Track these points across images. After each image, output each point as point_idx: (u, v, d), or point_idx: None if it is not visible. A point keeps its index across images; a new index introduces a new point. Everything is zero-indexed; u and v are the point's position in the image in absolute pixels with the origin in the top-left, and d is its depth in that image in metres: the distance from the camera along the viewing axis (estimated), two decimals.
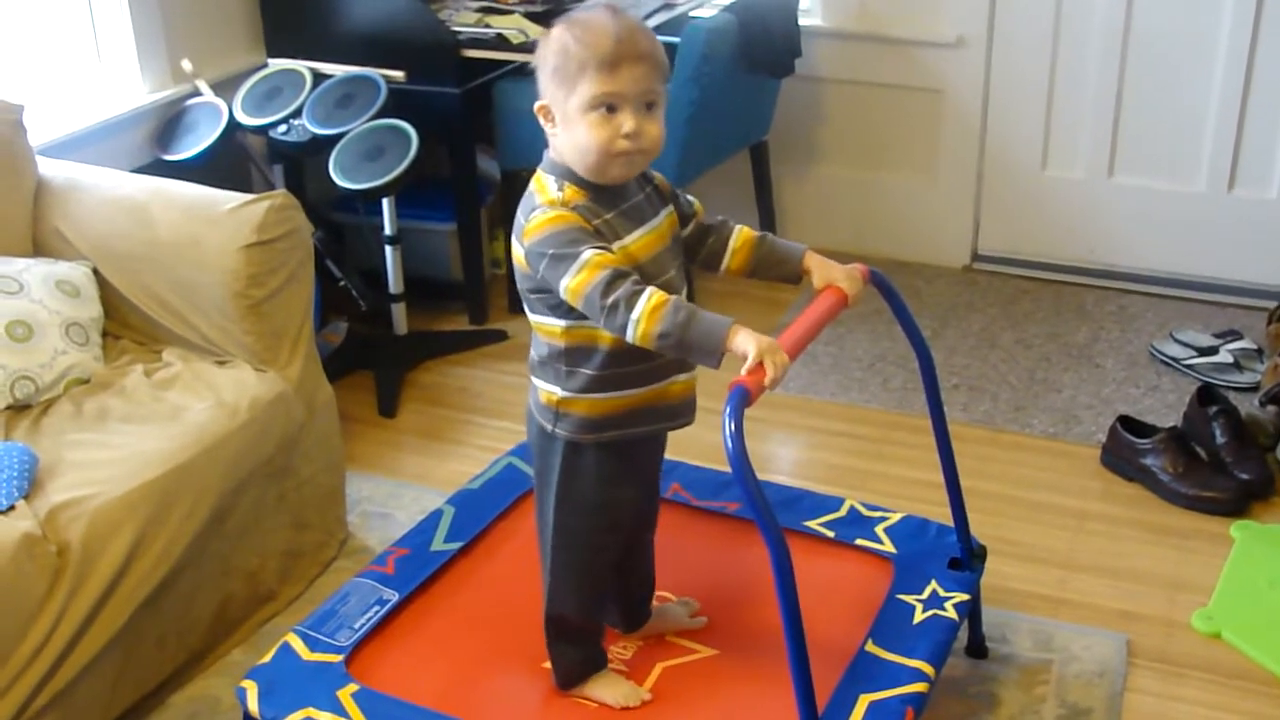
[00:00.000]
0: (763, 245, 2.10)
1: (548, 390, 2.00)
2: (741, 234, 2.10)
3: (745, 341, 1.78)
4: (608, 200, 1.92)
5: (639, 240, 1.93)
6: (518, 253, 1.93)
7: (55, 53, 3.42)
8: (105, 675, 2.32)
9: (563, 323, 1.93)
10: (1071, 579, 2.82)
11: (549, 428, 2.01)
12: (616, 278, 1.81)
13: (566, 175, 1.92)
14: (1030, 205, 4.21)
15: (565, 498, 2.05)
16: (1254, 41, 3.78)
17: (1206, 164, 3.96)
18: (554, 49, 1.89)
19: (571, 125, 1.88)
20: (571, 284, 1.83)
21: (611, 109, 1.86)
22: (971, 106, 4.14)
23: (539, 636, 2.17)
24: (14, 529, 2.18)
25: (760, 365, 1.78)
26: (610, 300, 1.80)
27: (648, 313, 1.79)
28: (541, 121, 1.94)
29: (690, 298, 2.02)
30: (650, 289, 1.81)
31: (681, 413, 2.05)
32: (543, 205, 1.90)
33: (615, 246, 1.89)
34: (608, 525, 2.09)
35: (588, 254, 1.82)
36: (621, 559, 2.18)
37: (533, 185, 1.95)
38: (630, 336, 1.81)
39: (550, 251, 1.85)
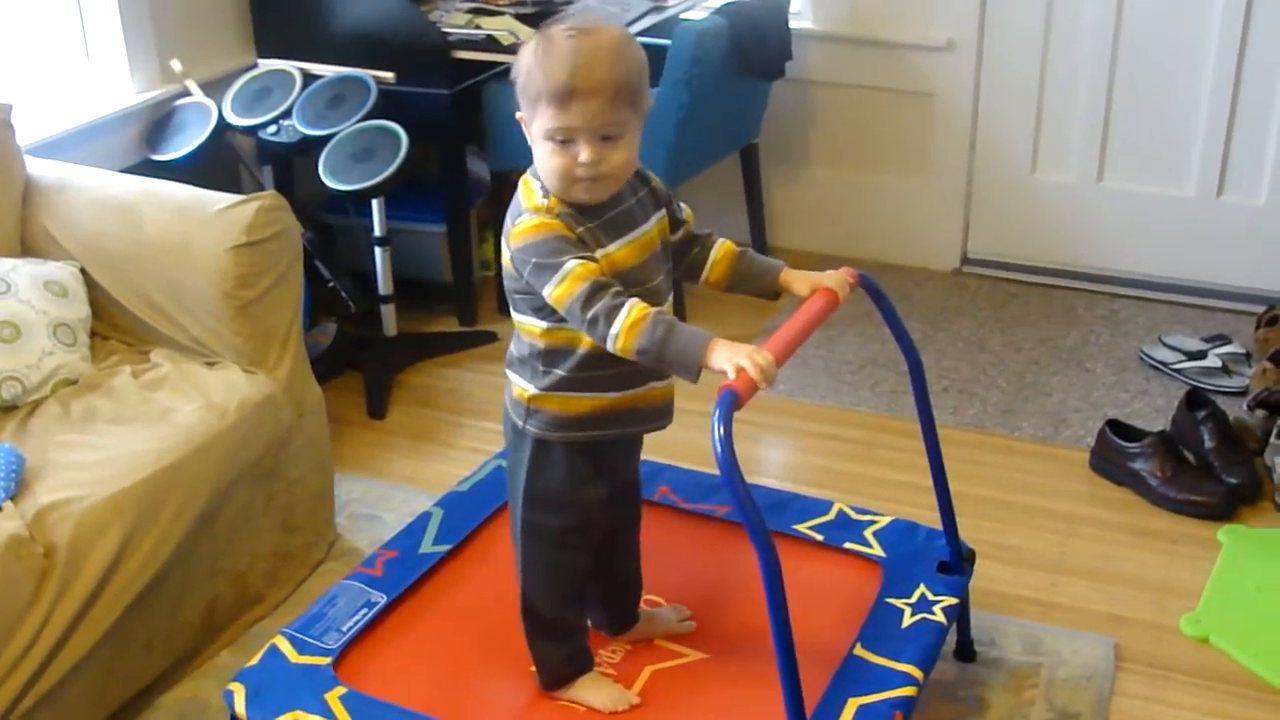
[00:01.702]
0: (742, 260, 2.11)
1: (521, 386, 2.01)
2: (722, 247, 2.11)
3: (722, 358, 1.78)
4: (593, 210, 1.92)
5: (624, 248, 1.93)
6: (505, 255, 1.94)
7: (44, 52, 3.41)
8: (93, 677, 2.31)
9: (544, 324, 1.94)
10: (1060, 583, 2.83)
11: (520, 423, 2.02)
12: (597, 290, 1.82)
13: None
14: (1020, 209, 4.21)
15: (532, 494, 2.06)
16: (1243, 48, 3.79)
17: (1196, 169, 3.97)
18: (523, 67, 1.88)
19: (536, 146, 1.90)
20: (554, 294, 1.85)
21: (565, 141, 1.85)
22: (962, 110, 4.14)
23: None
24: (1, 530, 2.16)
25: (742, 370, 1.77)
26: (590, 314, 1.81)
27: (626, 328, 1.80)
28: (524, 129, 1.94)
29: (679, 302, 2.02)
30: (630, 302, 1.82)
31: (656, 416, 2.06)
32: (528, 211, 1.90)
33: (600, 254, 1.89)
34: (574, 525, 2.08)
35: (570, 265, 1.83)
36: (601, 560, 2.18)
37: (520, 188, 1.95)
38: (610, 349, 1.83)
39: (534, 260, 1.86)
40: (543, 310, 1.92)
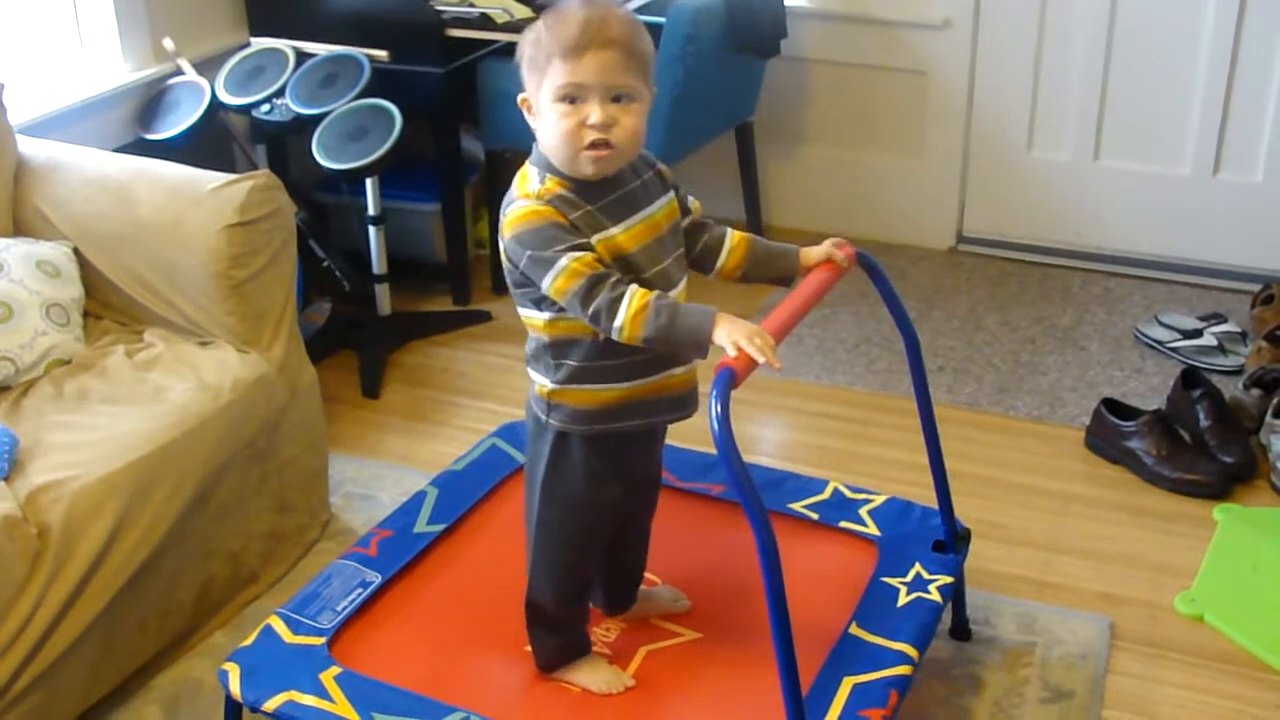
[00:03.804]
0: (756, 247, 2.09)
1: (540, 382, 1.99)
2: (735, 235, 2.09)
3: (726, 334, 1.78)
4: (595, 193, 1.89)
5: (627, 231, 1.90)
6: (502, 245, 1.91)
7: (36, 31, 3.40)
8: (87, 658, 2.31)
9: (545, 315, 1.92)
10: (1055, 561, 2.83)
11: (542, 418, 2.00)
12: (595, 284, 1.80)
13: (550, 167, 1.89)
14: (1016, 187, 4.21)
15: (550, 490, 2.04)
16: (1240, 24, 3.78)
17: (1192, 147, 3.96)
18: (530, 39, 1.87)
19: (543, 116, 1.86)
20: (551, 288, 1.83)
21: (575, 100, 1.83)
22: (957, 88, 4.13)
23: (522, 619, 2.17)
24: None
25: (741, 349, 1.77)
26: (592, 309, 1.80)
27: (629, 320, 1.79)
28: (525, 114, 1.92)
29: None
30: (631, 290, 1.80)
31: (680, 405, 2.03)
32: (519, 199, 1.88)
33: (599, 237, 1.86)
34: (589, 522, 2.07)
35: (563, 261, 1.81)
36: (610, 544, 2.17)
37: (517, 177, 1.93)
38: (617, 340, 1.82)
39: (529, 253, 1.84)
40: (542, 302, 1.90)
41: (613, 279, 1.82)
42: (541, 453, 2.03)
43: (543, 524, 2.08)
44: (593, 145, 1.84)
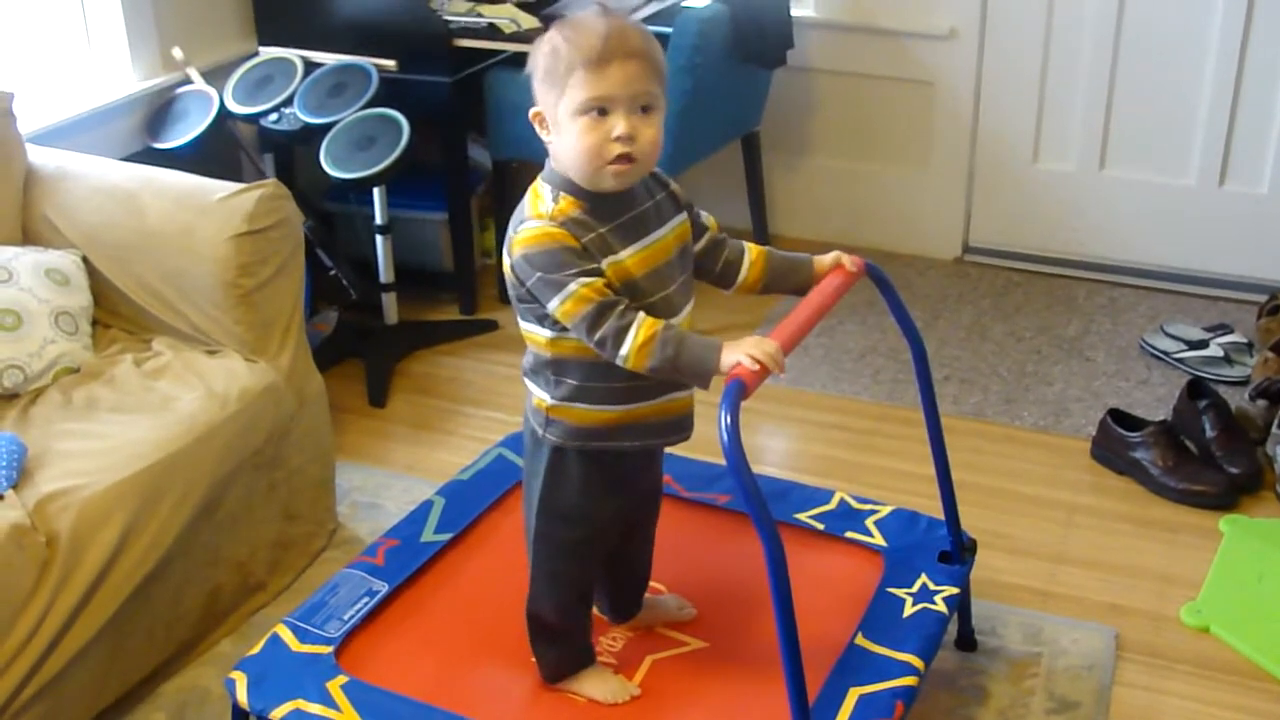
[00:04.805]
0: (773, 259, 2.09)
1: (539, 396, 1.99)
2: (754, 249, 2.09)
3: (731, 359, 1.79)
4: (608, 212, 1.88)
5: (637, 255, 1.89)
6: (506, 262, 1.90)
7: (45, 40, 3.41)
8: (94, 666, 2.32)
9: (549, 333, 1.91)
10: (1061, 572, 2.83)
11: (539, 432, 2.00)
12: (603, 312, 1.80)
13: (564, 185, 1.87)
14: (1021, 197, 4.21)
15: (547, 503, 2.04)
16: (1246, 35, 3.78)
17: (1198, 158, 3.97)
18: (545, 51, 1.84)
19: (563, 131, 1.84)
20: (559, 311, 1.83)
21: (603, 112, 1.81)
22: (963, 98, 4.14)
23: None
24: (2, 519, 2.17)
25: (751, 360, 1.78)
26: (598, 336, 1.81)
27: (635, 350, 1.80)
28: (537, 129, 1.89)
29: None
30: (638, 321, 1.80)
31: (678, 429, 2.03)
32: (531, 218, 1.86)
33: (608, 261, 1.85)
34: (588, 535, 2.07)
35: (573, 285, 1.80)
36: (615, 550, 2.18)
37: (528, 194, 1.91)
38: (623, 366, 1.82)
39: (538, 274, 1.83)
40: (546, 319, 1.89)
41: (621, 307, 1.81)
42: (539, 467, 2.03)
43: (541, 537, 2.07)
44: (617, 159, 1.82)
